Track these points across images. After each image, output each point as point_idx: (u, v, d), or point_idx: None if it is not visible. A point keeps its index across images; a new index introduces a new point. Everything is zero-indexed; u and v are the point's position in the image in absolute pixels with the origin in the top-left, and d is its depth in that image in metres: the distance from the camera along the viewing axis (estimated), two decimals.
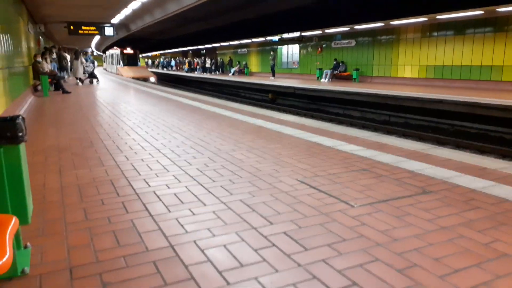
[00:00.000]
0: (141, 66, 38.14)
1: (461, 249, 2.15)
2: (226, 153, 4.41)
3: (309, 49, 24.63)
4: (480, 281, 1.84)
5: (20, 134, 1.96)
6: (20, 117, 2.01)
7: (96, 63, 21.81)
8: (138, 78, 26.56)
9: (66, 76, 18.21)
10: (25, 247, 2.08)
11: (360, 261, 2.02)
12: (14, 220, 1.57)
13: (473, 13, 13.97)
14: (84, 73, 18.16)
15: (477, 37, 14.76)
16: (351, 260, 2.03)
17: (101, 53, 54.17)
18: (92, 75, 18.56)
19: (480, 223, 2.50)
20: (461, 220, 2.54)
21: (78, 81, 17.70)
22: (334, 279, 1.86)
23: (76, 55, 17.46)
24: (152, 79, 29.34)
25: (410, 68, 17.74)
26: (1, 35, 7.65)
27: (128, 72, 30.01)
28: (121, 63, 33.30)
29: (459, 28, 15.37)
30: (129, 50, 33.56)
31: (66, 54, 18.93)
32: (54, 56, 17.48)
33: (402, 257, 2.06)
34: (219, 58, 36.85)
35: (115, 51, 35.43)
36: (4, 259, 1.28)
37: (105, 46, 43.98)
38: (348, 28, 19.90)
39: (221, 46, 36.24)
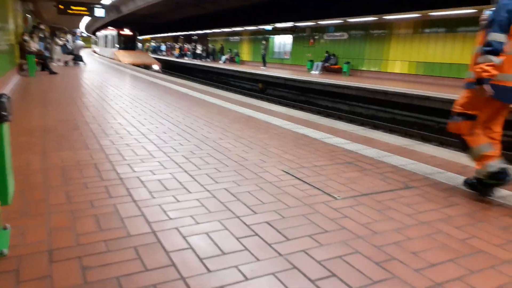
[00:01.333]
0: (141, 51, 33.84)
1: (438, 244, 2.20)
2: (213, 141, 4.40)
3: (302, 40, 24.57)
4: (454, 276, 1.89)
5: (4, 113, 1.92)
6: (4, 96, 1.96)
7: (80, 43, 20.15)
8: (138, 65, 22.97)
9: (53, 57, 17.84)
10: (4, 228, 2.06)
11: (340, 252, 2.06)
12: None
13: (465, 11, 14.07)
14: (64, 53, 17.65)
15: (468, 35, 14.90)
16: (331, 252, 2.06)
17: (90, 35, 53.05)
18: (77, 57, 18.08)
19: (459, 219, 2.56)
20: (441, 216, 2.60)
21: (59, 62, 17.32)
22: (313, 270, 1.89)
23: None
24: (156, 66, 25.17)
25: (401, 64, 17.86)
26: None
27: (126, 57, 25.95)
28: (116, 46, 29.18)
29: (451, 25, 15.49)
30: (127, 31, 29.24)
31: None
32: (42, 35, 17.09)
33: (381, 250, 2.10)
34: (210, 45, 36.51)
35: (110, 32, 31.00)
36: None
37: (94, 27, 42.96)
38: (342, 21, 19.89)
39: (213, 32, 35.90)
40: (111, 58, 28.89)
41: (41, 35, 17.12)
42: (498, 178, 2.81)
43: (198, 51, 35.98)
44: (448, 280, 1.85)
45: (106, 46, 32.84)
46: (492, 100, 2.79)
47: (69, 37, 27.04)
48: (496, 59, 2.67)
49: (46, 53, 14.56)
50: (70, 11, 17.26)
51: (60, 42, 18.05)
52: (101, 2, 18.82)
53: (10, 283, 1.69)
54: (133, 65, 22.47)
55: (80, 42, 18.78)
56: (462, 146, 3.06)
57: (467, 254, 2.11)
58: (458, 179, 3.36)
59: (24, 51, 12.42)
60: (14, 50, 12.61)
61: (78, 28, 45.22)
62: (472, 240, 2.27)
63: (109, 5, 21.04)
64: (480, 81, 2.71)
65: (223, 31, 33.06)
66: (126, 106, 6.72)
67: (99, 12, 18.00)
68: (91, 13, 17.92)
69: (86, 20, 34.04)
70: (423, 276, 1.87)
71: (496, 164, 2.82)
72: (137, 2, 22.59)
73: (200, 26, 33.58)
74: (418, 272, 1.90)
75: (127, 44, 28.86)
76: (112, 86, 10.04)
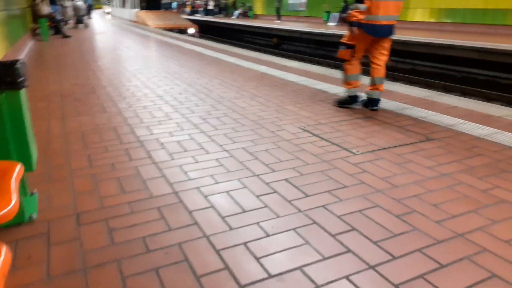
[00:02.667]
0: (170, 11, 28.58)
1: (459, 196, 2.18)
2: (228, 100, 4.37)
3: None
4: (476, 226, 1.88)
5: (20, 79, 1.93)
6: (20, 62, 1.96)
7: (79, 3, 17.95)
8: (171, 29, 18.40)
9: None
10: (32, 193, 2.13)
11: (360, 207, 2.06)
12: (19, 167, 1.57)
13: None
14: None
15: None
16: (351, 206, 2.07)
17: None
18: (78, 19, 17.61)
19: (481, 170, 2.51)
20: (462, 167, 2.55)
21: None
22: (333, 225, 1.91)
23: None
24: (192, 30, 20.19)
25: (422, 11, 17.01)
26: None
27: (154, 19, 20.75)
28: (137, 5, 23.89)
29: None
30: None
31: None
32: None
33: (401, 203, 2.10)
34: (222, 0, 35.42)
35: None
36: (11, 205, 1.30)
37: None
38: None
39: None
40: (132, 21, 24.18)
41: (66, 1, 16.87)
42: (353, 101, 4.05)
43: (210, 7, 35.04)
44: (469, 230, 1.85)
45: (124, 6, 28.38)
46: (365, 34, 3.71)
47: None
48: (362, 6, 3.63)
49: (59, 16, 14.39)
50: None
51: (68, 4, 17.65)
52: None
53: (42, 246, 1.77)
54: (165, 29, 17.79)
55: (79, 3, 18.06)
56: (342, 70, 4.11)
57: (489, 204, 2.09)
58: (481, 130, 3.27)
59: (36, 15, 12.33)
60: (26, 15, 12.53)
61: None
62: (494, 190, 2.24)
63: None
64: (350, 23, 3.72)
65: None
66: (141, 68, 6.69)
67: None
68: None
69: None
70: (444, 228, 1.87)
71: (354, 90, 4.01)
72: None
73: None
74: (439, 223, 1.90)
75: (150, 2, 23.56)
76: (126, 47, 9.96)
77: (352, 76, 3.99)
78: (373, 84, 3.91)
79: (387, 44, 3.85)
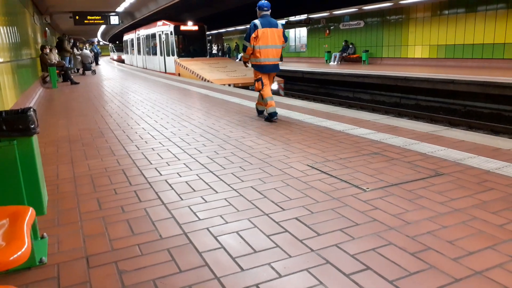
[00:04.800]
0: (226, 59, 20.32)
1: (475, 231, 2.13)
2: (235, 140, 4.41)
3: (317, 31, 24.31)
4: (495, 263, 1.83)
5: (32, 126, 1.98)
6: (31, 109, 2.02)
7: (86, 52, 18.25)
8: (243, 86, 12.04)
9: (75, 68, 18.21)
10: (42, 237, 2.12)
11: (373, 245, 2.02)
12: (30, 211, 1.59)
13: None
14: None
15: (489, 14, 14.39)
16: (364, 245, 2.03)
17: (107, 42, 53.93)
18: (85, 66, 18.13)
19: (494, 204, 2.47)
20: (475, 202, 2.52)
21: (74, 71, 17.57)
22: (347, 264, 1.86)
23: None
24: (274, 84, 10.06)
25: (421, 48, 17.42)
26: (8, 28, 7.67)
27: (213, 71, 13.95)
28: (175, 52, 17.40)
29: (470, 5, 14.99)
30: (190, 26, 17.60)
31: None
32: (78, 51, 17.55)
33: (416, 240, 2.06)
34: (225, 44, 36.57)
35: (159, 29, 19.11)
36: (23, 249, 1.30)
37: (110, 35, 43.53)
38: (356, 9, 19.55)
39: (227, 31, 35.93)
40: (169, 73, 17.80)
41: (76, 49, 17.62)
42: (272, 115, 5.40)
43: (214, 51, 36.13)
44: (488, 268, 1.79)
45: (149, 53, 22.02)
46: (256, 71, 5.53)
47: (87, 46, 27.04)
48: (244, 54, 5.60)
49: (67, 64, 14.90)
50: (86, 21, 17.63)
51: (78, 52, 18.30)
52: (116, 9, 19.12)
53: None
54: (236, 86, 11.85)
55: (86, 51, 18.67)
56: (260, 96, 5.66)
57: (506, 240, 2.04)
58: (491, 163, 3.25)
59: (45, 64, 12.77)
60: (36, 64, 12.99)
61: (96, 37, 46.15)
62: (510, 225, 2.19)
63: (122, 11, 21.35)
64: (244, 63, 5.78)
65: (237, 29, 33.00)
66: (148, 111, 6.82)
67: (114, 19, 18.31)
68: (106, 21, 18.24)
69: (102, 28, 34.28)
70: (462, 265, 1.81)
71: (274, 108, 5.42)
72: (150, 7, 22.61)
73: (214, 25, 33.63)
74: (456, 261, 1.85)
75: (191, 46, 17.78)
76: (132, 92, 10.20)
77: (268, 97, 5.47)
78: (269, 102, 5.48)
79: (271, 78, 5.69)
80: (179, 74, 16.35)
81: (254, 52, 5.34)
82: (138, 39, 24.35)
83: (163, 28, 18.53)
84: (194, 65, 15.50)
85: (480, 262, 1.84)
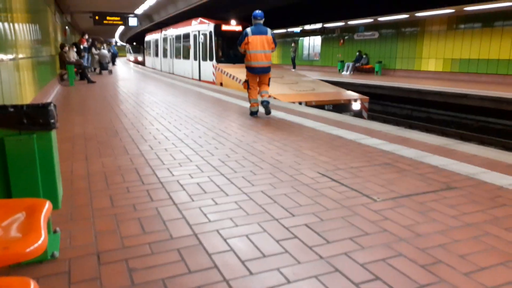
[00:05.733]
0: (276, 66, 14.31)
1: (487, 247, 2.11)
2: (247, 144, 4.43)
3: (331, 41, 24.32)
4: (508, 280, 1.81)
5: (52, 120, 2.02)
6: (52, 104, 2.06)
7: (104, 52, 18.24)
8: (320, 105, 8.87)
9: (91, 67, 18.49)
10: (55, 231, 2.16)
11: (383, 255, 2.02)
12: (47, 205, 1.61)
13: (502, 5, 13.50)
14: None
15: (506, 29, 14.28)
16: (374, 254, 2.02)
17: (124, 43, 54.64)
18: (102, 66, 18.37)
19: (507, 220, 2.45)
20: (487, 217, 2.50)
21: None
22: (356, 273, 1.86)
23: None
24: (357, 103, 9.35)
25: (435, 62, 17.33)
26: (30, 25, 7.84)
27: (275, 85, 9.23)
28: (213, 55, 14.16)
29: (487, 20, 14.89)
30: (233, 26, 14.52)
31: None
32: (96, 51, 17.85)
33: (426, 253, 2.04)
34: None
35: (195, 27, 15.75)
36: (40, 242, 1.32)
37: (128, 36, 44.14)
38: (372, 20, 19.54)
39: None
40: (201, 80, 15.09)
41: (94, 49, 17.93)
42: (252, 114, 6.39)
43: None
44: (500, 284, 1.77)
45: (179, 56, 18.65)
46: (247, 72, 6.39)
47: (104, 46, 27.32)
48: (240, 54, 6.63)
49: (85, 63, 15.13)
50: (105, 22, 17.92)
51: (96, 52, 18.60)
52: (135, 11, 19.39)
53: (62, 284, 1.76)
54: (308, 104, 8.82)
55: (103, 51, 18.96)
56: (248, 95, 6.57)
57: None
58: (504, 179, 3.21)
59: (63, 62, 12.99)
60: (55, 61, 13.21)
61: (114, 37, 46.78)
62: None
63: (141, 14, 21.66)
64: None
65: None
66: (162, 112, 6.88)
67: (133, 21, 18.60)
68: (125, 22, 18.53)
69: (120, 29, 34.65)
70: (473, 280, 1.80)
71: (255, 108, 6.36)
72: (169, 10, 22.75)
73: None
74: (467, 276, 1.84)
75: (233, 50, 13.38)
76: (148, 93, 10.31)
77: (253, 99, 6.39)
78: (264, 95, 6.40)
79: (265, 79, 6.47)
80: (221, 84, 12.99)
81: (246, 56, 6.25)
82: (165, 39, 21.25)
83: (200, 27, 15.19)
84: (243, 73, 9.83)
85: (491, 278, 1.82)
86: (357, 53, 21.36)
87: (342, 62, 22.45)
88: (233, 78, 11.96)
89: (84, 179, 3.20)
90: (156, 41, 24.03)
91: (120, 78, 16.18)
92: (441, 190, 2.98)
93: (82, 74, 13.79)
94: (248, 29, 6.24)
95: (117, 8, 17.78)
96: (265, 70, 6.35)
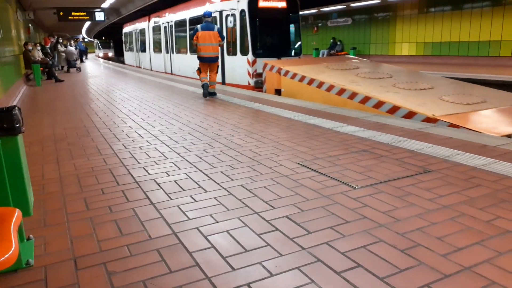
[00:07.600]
0: (350, 58, 10.13)
1: (463, 227, 2.16)
2: (224, 138, 4.39)
3: (305, 28, 24.36)
4: (483, 259, 1.85)
5: (17, 125, 1.93)
6: (16, 108, 1.97)
7: (71, 48, 17.91)
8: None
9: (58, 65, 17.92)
10: (28, 239, 2.08)
11: (364, 242, 2.03)
12: (17, 213, 1.55)
13: None
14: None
15: (474, 12, 14.62)
16: (355, 242, 2.04)
17: (92, 39, 53.07)
18: (69, 63, 17.83)
19: (481, 200, 2.51)
20: (463, 198, 2.55)
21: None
22: (338, 261, 1.86)
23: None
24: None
25: (408, 46, 17.63)
26: None
27: (368, 86, 6.30)
28: (249, 48, 9.61)
29: (456, 3, 15.20)
30: (274, 1, 9.91)
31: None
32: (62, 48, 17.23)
33: (405, 237, 2.07)
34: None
35: (216, 6, 10.76)
36: (10, 252, 1.28)
37: (95, 32, 42.93)
38: (344, 6, 19.65)
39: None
40: (226, 84, 10.81)
41: (60, 46, 17.31)
42: (203, 87, 7.72)
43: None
44: (477, 263, 1.81)
45: (185, 51, 13.90)
46: (199, 62, 7.74)
47: (72, 43, 26.42)
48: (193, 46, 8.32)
49: (51, 62, 14.62)
50: (70, 17, 17.36)
51: (62, 49, 17.96)
52: (101, 6, 18.84)
53: None
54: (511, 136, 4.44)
55: (70, 48, 18.38)
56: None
57: (494, 235, 2.07)
58: (478, 160, 3.29)
59: (28, 61, 12.53)
60: (19, 61, 12.73)
61: (81, 33, 45.45)
62: (497, 221, 2.22)
63: (108, 8, 21.03)
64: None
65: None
66: (135, 109, 6.74)
67: (99, 16, 18.07)
68: (91, 17, 17.98)
69: (87, 24, 33.66)
70: (451, 261, 1.83)
71: (205, 82, 7.71)
72: (136, 3, 22.03)
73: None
74: (445, 257, 1.87)
75: (274, 37, 10.53)
76: (119, 89, 10.08)
77: (203, 77, 7.77)
78: (211, 85, 7.83)
79: (214, 66, 7.84)
80: (280, 91, 8.40)
81: (198, 48, 7.64)
82: (157, 29, 16.22)
83: (224, 5, 10.38)
84: (322, 73, 7.52)
85: (468, 258, 1.86)
86: (331, 40, 21.49)
87: (317, 49, 22.54)
88: (311, 83, 7.33)
89: (56, 182, 3.10)
90: (142, 31, 19.25)
91: (89, 75, 15.76)
92: (418, 174, 3.03)
93: (49, 73, 13.35)
94: (198, 26, 7.65)
95: (82, 3, 17.21)
96: (213, 60, 7.71)
